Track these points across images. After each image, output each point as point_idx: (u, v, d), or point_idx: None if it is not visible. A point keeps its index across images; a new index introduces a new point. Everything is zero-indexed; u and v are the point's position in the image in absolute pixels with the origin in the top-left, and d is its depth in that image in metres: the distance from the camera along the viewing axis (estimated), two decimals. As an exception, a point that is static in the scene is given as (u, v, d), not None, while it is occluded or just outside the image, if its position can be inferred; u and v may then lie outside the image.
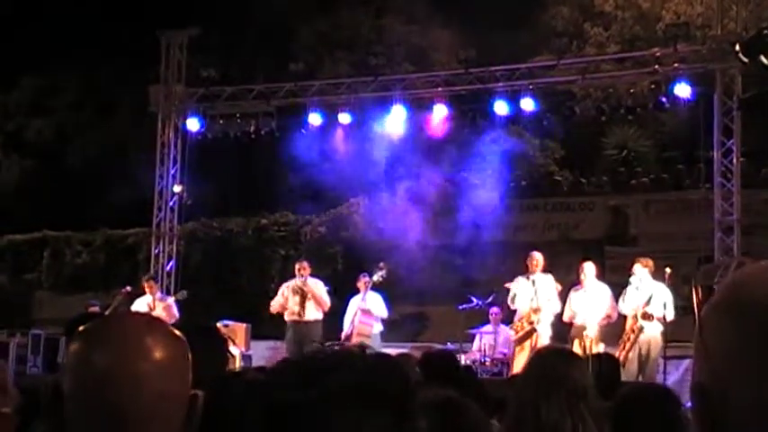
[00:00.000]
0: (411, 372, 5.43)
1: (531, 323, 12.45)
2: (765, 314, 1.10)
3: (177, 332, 1.78)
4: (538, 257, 12.80)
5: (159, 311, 13.39)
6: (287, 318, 13.72)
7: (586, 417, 3.57)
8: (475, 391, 5.10)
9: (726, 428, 1.12)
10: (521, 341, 12.60)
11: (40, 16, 24.96)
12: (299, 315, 13.57)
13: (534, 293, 12.50)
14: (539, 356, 4.02)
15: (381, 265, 13.86)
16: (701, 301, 10.45)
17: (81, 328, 1.78)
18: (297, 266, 14.00)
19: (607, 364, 6.82)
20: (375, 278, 13.58)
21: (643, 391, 4.22)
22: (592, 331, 12.19)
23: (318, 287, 13.74)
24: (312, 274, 13.92)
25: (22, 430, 4.68)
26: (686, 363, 13.13)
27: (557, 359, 3.78)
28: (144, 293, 14.43)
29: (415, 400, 1.45)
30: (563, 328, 12.78)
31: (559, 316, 12.61)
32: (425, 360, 6.01)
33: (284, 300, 13.74)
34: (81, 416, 1.70)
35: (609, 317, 12.34)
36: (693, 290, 11.12)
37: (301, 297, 13.59)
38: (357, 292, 13.86)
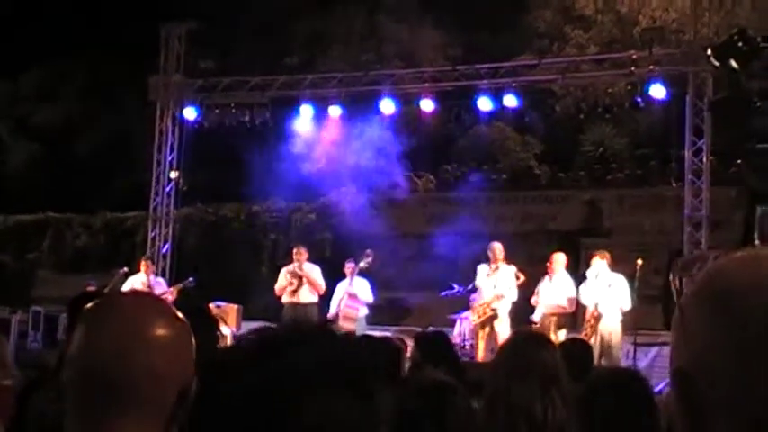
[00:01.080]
0: (399, 353, 5.44)
1: (494, 309, 12.53)
2: (742, 301, 1.11)
3: (179, 314, 1.76)
4: (497, 248, 12.85)
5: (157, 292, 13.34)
6: (284, 299, 13.78)
7: (557, 400, 3.54)
8: (460, 372, 5.12)
9: (706, 412, 1.11)
10: (483, 326, 12.70)
11: (46, 9, 24.84)
12: (296, 297, 13.59)
13: (496, 281, 12.58)
14: (511, 341, 3.99)
15: (368, 252, 13.93)
16: (680, 291, 10.52)
17: (89, 304, 1.76)
18: (294, 252, 14.02)
19: (579, 348, 6.83)
20: (362, 264, 13.69)
21: (614, 375, 4.15)
22: (537, 315, 12.53)
23: (314, 272, 13.79)
24: (308, 260, 13.97)
25: (24, 402, 4.67)
26: (655, 350, 13.21)
27: (529, 343, 3.74)
28: (139, 272, 14.42)
29: (377, 381, 1.41)
30: (522, 313, 12.91)
31: (521, 301, 12.72)
32: (420, 340, 6.00)
33: (285, 283, 13.77)
34: (78, 389, 1.68)
35: (563, 308, 12.49)
36: (672, 281, 11.19)
37: (298, 281, 13.61)
38: (344, 277, 13.94)
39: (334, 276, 14.30)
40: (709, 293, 1.15)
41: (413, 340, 6.12)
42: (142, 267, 14.34)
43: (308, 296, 13.68)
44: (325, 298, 14.05)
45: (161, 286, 14.45)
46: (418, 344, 5.80)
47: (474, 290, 13.98)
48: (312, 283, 13.66)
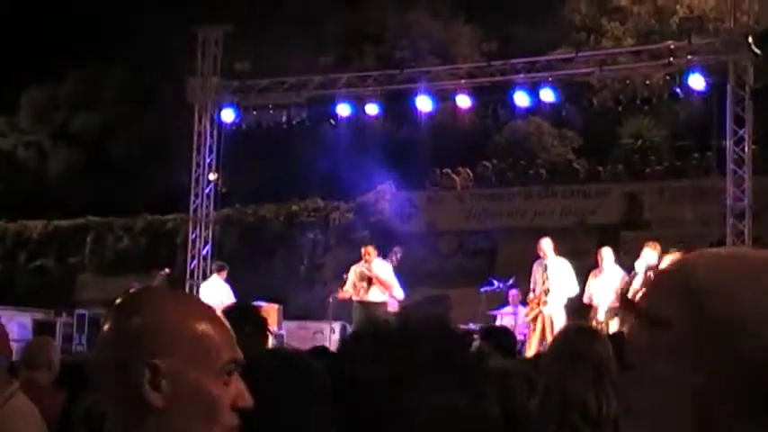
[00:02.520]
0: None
1: (540, 304, 12.41)
2: (711, 300, 1.08)
3: (210, 308, 1.74)
4: (544, 243, 12.71)
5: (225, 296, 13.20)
6: (354, 298, 13.45)
7: (610, 392, 3.51)
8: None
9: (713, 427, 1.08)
10: (532, 321, 12.60)
11: (82, 15, 25.08)
12: (365, 296, 13.32)
13: (546, 277, 12.45)
14: (562, 334, 3.96)
15: (396, 249, 13.92)
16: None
17: (116, 301, 1.75)
18: (362, 251, 13.64)
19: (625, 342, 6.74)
20: (391, 261, 13.64)
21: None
22: (602, 314, 12.19)
23: (385, 271, 13.39)
24: (378, 256, 13.61)
25: (70, 402, 4.70)
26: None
27: (579, 336, 3.71)
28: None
29: (483, 374, 1.41)
30: (581, 310, 12.73)
31: (577, 298, 12.55)
32: (489, 333, 6.02)
33: (352, 283, 13.50)
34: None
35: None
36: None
37: (367, 281, 13.34)
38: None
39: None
40: (678, 290, 1.12)
41: (480, 333, 6.16)
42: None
43: (377, 295, 13.32)
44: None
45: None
46: (487, 336, 5.82)
47: (513, 285, 13.94)
48: (383, 283, 13.30)
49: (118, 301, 1.70)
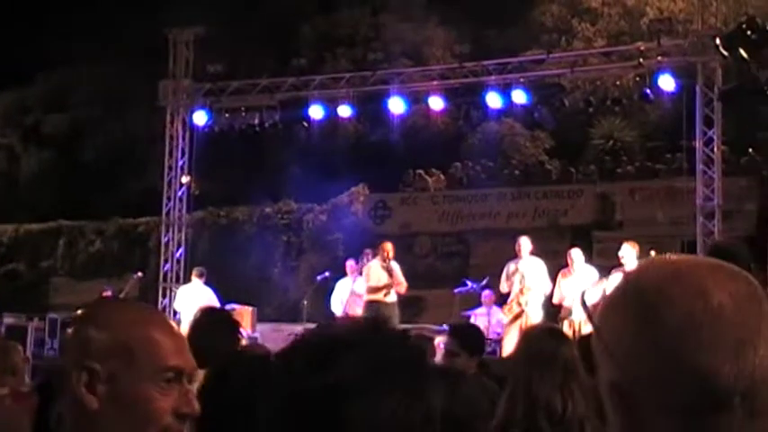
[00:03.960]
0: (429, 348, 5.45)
1: (521, 304, 12.46)
2: (654, 309, 1.13)
3: (161, 316, 1.77)
4: (523, 242, 12.79)
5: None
6: (368, 298, 13.14)
7: (576, 394, 3.54)
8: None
9: (645, 418, 1.12)
10: (511, 322, 12.62)
11: (52, 17, 24.92)
12: (384, 296, 13.05)
13: (522, 276, 12.51)
14: (529, 335, 3.99)
15: (367, 251, 13.86)
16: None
17: (79, 311, 1.78)
18: (381, 248, 13.30)
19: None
20: (363, 263, 13.60)
21: None
22: (577, 315, 12.25)
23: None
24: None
25: (42, 409, 4.67)
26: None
27: (547, 337, 3.74)
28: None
29: (431, 380, 1.40)
30: (554, 310, 12.80)
31: (549, 297, 12.62)
32: (456, 331, 6.01)
33: (378, 278, 13.11)
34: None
35: (594, 303, 12.26)
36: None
37: (389, 277, 13.00)
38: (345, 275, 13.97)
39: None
40: (625, 304, 1.18)
41: (448, 331, 6.14)
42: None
43: (392, 296, 13.12)
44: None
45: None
46: (454, 334, 5.82)
47: (486, 286, 13.97)
48: (398, 282, 13.07)
49: (78, 312, 1.74)
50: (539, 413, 3.45)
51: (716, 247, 3.82)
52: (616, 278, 11.61)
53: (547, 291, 12.58)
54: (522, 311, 12.44)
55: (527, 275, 12.50)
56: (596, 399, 3.51)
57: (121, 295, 13.69)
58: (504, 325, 12.98)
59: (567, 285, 12.44)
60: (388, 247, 13.32)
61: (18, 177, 26.85)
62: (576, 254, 12.71)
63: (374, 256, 13.68)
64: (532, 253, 12.82)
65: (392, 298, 13.12)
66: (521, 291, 12.46)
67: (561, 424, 3.45)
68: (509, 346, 12.14)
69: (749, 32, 10.97)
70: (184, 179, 17.21)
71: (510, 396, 3.53)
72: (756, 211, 16.68)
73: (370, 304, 13.03)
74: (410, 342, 1.43)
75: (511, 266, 12.74)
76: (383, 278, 13.06)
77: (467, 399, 2.49)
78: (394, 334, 1.43)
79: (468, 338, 5.68)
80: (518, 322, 12.41)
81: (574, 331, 11.33)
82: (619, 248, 12.32)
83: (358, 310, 13.39)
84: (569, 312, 12.28)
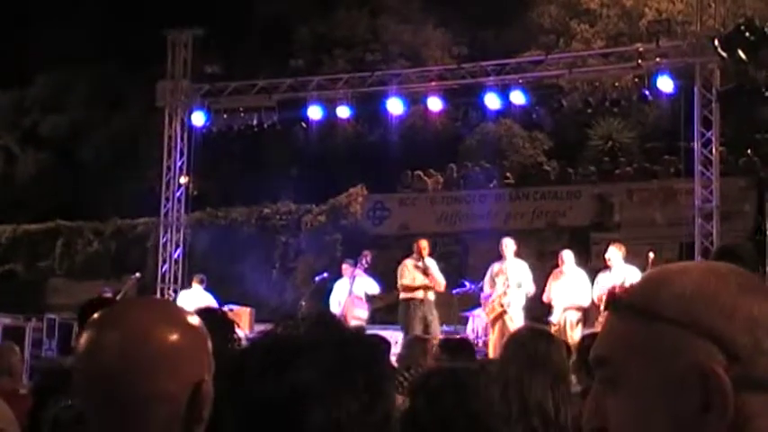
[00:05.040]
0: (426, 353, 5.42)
1: (502, 305, 12.45)
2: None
3: (193, 319, 1.71)
4: (507, 243, 12.76)
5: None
6: (408, 295, 12.94)
7: (567, 398, 3.51)
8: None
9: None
10: (493, 323, 12.62)
11: (51, 18, 24.90)
12: (421, 295, 12.87)
13: (506, 278, 12.50)
14: (519, 336, 3.92)
15: (365, 252, 13.83)
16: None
17: (95, 314, 1.72)
18: (418, 245, 13.11)
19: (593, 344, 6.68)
20: (361, 266, 13.56)
21: None
22: (556, 315, 12.36)
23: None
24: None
25: (39, 409, 4.64)
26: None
27: (538, 340, 3.68)
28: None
29: (389, 381, 1.38)
30: (537, 311, 12.82)
31: (535, 298, 12.63)
32: (445, 345, 6.01)
33: (412, 276, 12.95)
34: (85, 397, 1.65)
35: (579, 305, 12.35)
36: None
37: (423, 275, 12.87)
38: (341, 277, 13.88)
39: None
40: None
41: (438, 345, 6.12)
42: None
43: (430, 294, 12.92)
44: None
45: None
46: (446, 349, 5.81)
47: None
48: (435, 281, 12.89)
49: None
50: (533, 415, 3.41)
51: (723, 249, 3.78)
52: (604, 279, 11.75)
53: (530, 292, 12.62)
54: (504, 312, 12.44)
55: (511, 277, 12.52)
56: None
57: (119, 296, 13.64)
58: (485, 325, 12.98)
59: (557, 287, 12.50)
60: (423, 244, 13.16)
61: (16, 178, 26.81)
62: (568, 255, 12.77)
63: (373, 257, 13.66)
64: (517, 254, 12.83)
65: (430, 296, 12.92)
66: (504, 292, 12.46)
67: (556, 426, 3.41)
68: (493, 346, 12.15)
69: (747, 34, 10.98)
70: (182, 180, 17.19)
71: (504, 398, 3.49)
72: (754, 211, 16.66)
73: (406, 303, 12.87)
74: (366, 341, 1.42)
75: (495, 267, 12.75)
76: (418, 277, 12.91)
77: (482, 396, 2.47)
78: (349, 333, 1.41)
79: (457, 351, 5.66)
80: (498, 323, 12.44)
81: (558, 333, 11.39)
82: (607, 248, 12.40)
83: (356, 312, 13.40)
84: (556, 313, 12.38)
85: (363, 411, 1.29)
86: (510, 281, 12.48)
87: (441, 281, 13.03)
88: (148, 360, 1.58)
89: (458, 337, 11.06)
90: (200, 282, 14.28)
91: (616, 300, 1.16)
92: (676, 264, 1.19)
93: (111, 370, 1.57)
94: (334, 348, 1.33)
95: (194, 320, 1.67)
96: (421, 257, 13.06)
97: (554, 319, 12.46)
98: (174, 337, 1.60)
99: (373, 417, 1.30)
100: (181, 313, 1.69)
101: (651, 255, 12.35)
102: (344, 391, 1.29)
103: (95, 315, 1.70)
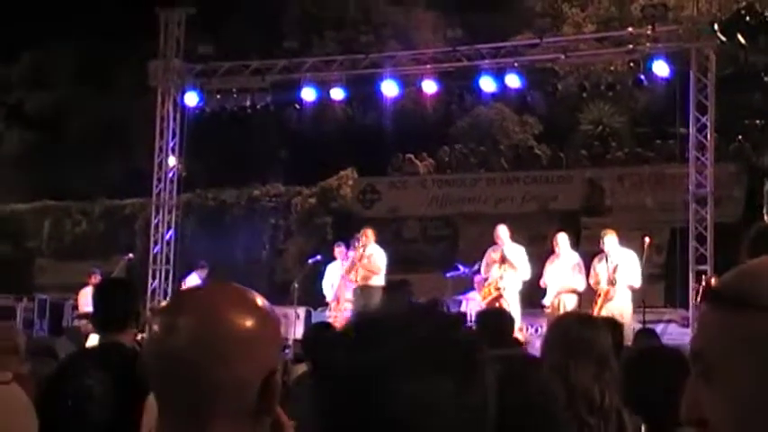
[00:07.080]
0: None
1: (498, 289, 12.45)
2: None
3: (268, 306, 1.65)
4: (501, 231, 12.75)
5: None
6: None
7: (611, 384, 3.46)
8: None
9: None
10: (488, 306, 12.59)
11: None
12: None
13: (504, 264, 12.49)
14: (563, 321, 3.90)
15: (358, 236, 13.80)
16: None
17: (168, 300, 1.67)
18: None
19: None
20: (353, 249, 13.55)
21: (651, 353, 3.99)
22: (549, 298, 12.44)
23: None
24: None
25: (54, 389, 4.57)
26: (660, 327, 13.17)
27: (582, 325, 3.65)
28: None
29: (482, 367, 1.33)
30: (534, 295, 12.87)
31: (529, 283, 12.63)
32: (482, 317, 5.86)
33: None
34: (158, 385, 1.58)
35: (574, 288, 12.37)
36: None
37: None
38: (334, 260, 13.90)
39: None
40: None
41: (474, 317, 6.02)
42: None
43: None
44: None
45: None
46: (481, 322, 5.70)
47: (478, 270, 13.92)
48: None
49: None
50: (578, 401, 3.37)
51: (760, 230, 3.71)
52: (601, 267, 11.77)
53: (526, 277, 12.63)
54: (500, 296, 12.43)
55: (509, 261, 12.48)
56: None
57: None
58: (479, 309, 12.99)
59: (552, 270, 12.51)
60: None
61: (2, 156, 26.53)
62: (562, 238, 12.80)
63: (366, 239, 13.60)
64: (520, 239, 12.81)
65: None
66: (500, 276, 12.44)
67: (601, 413, 3.37)
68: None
69: (748, 18, 10.95)
70: (171, 161, 17.02)
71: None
72: (744, 197, 16.70)
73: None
74: (464, 327, 1.39)
75: (492, 253, 12.70)
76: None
77: (541, 386, 2.41)
78: (448, 315, 1.40)
79: (490, 327, 5.48)
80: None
81: (552, 315, 11.47)
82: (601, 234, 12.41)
83: (349, 295, 13.38)
84: (549, 295, 12.45)
85: (458, 393, 1.26)
86: (507, 265, 12.45)
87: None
88: (222, 345, 1.53)
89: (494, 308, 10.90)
90: (201, 268, 14.24)
91: (713, 292, 1.16)
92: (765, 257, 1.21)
93: (184, 353, 1.52)
94: (427, 325, 1.31)
95: (269, 308, 1.63)
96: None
97: (547, 301, 12.54)
98: (250, 323, 1.56)
99: (470, 400, 1.27)
100: (256, 300, 1.63)
101: (647, 239, 12.35)
102: (437, 370, 1.26)
103: (169, 300, 1.67)
